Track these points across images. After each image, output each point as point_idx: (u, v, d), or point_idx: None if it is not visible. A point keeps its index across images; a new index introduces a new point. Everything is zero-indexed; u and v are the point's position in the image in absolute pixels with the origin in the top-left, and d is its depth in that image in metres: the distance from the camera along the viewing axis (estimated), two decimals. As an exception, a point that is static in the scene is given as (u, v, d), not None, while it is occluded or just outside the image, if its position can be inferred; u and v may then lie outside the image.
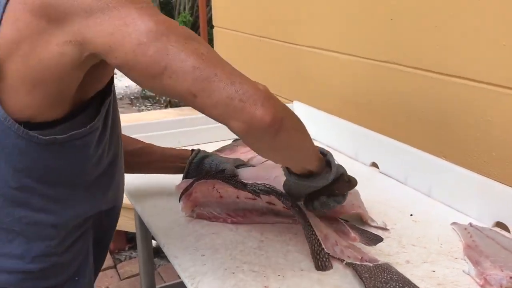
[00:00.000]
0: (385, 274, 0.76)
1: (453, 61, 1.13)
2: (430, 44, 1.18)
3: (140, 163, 1.02)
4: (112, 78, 0.76)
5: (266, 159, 1.13)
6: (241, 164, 1.05)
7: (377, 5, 1.34)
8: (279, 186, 0.88)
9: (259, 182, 0.89)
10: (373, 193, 1.06)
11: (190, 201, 0.94)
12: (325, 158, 0.81)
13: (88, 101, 0.72)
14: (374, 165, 1.25)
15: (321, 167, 0.79)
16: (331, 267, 0.80)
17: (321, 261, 0.80)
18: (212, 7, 2.43)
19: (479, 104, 1.08)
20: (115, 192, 0.86)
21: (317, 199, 0.83)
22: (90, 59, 0.63)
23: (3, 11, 0.62)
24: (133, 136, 1.12)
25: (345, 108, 1.50)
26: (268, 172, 0.97)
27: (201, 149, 1.07)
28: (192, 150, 1.07)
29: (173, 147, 1.37)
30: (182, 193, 0.95)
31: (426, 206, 1.04)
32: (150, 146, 1.05)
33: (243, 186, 0.89)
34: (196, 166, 1.03)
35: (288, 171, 0.81)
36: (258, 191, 0.87)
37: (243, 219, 0.94)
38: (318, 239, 0.81)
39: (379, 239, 0.88)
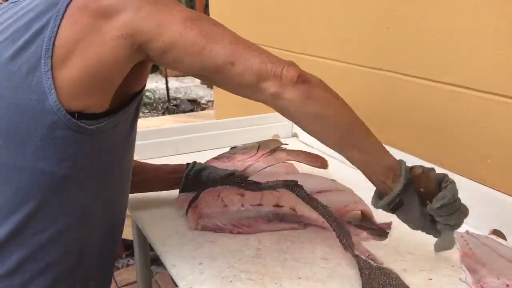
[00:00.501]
0: (384, 277, 0.76)
1: (449, 69, 1.14)
2: (427, 52, 1.19)
3: (136, 183, 0.97)
4: (145, 82, 0.84)
5: (264, 167, 1.14)
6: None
7: (373, 13, 1.35)
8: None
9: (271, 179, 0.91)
10: (370, 201, 1.06)
11: (196, 214, 0.94)
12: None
13: (127, 101, 0.80)
14: (371, 172, 1.25)
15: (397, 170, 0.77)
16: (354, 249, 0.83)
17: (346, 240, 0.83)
18: (210, 15, 2.44)
19: (474, 112, 1.09)
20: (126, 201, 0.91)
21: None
22: (138, 53, 0.71)
23: (62, 16, 0.70)
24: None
25: (342, 116, 1.51)
26: (266, 179, 0.97)
27: (197, 161, 1.07)
28: (187, 163, 1.06)
29: (171, 154, 1.38)
30: (189, 206, 0.94)
31: (423, 214, 1.04)
32: (141, 164, 1.05)
33: (256, 186, 0.90)
34: (193, 180, 1.03)
35: (376, 198, 0.80)
36: (275, 185, 0.89)
37: (249, 229, 0.94)
38: (342, 223, 0.84)
39: (385, 232, 0.92)
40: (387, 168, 0.78)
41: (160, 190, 1.05)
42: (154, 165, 1.06)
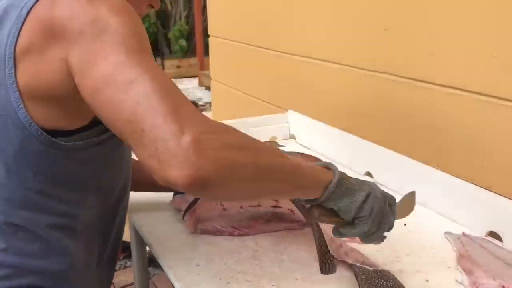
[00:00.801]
0: (382, 281, 0.77)
1: (446, 71, 1.14)
2: (424, 54, 1.19)
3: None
4: None
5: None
6: None
7: (371, 15, 1.35)
8: None
9: None
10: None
11: (194, 218, 0.94)
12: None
13: None
14: (368, 174, 1.25)
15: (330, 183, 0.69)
16: (335, 271, 0.80)
17: (326, 264, 0.81)
18: (208, 17, 2.44)
19: (471, 114, 1.09)
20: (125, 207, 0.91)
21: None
22: None
23: (22, 24, 0.67)
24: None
25: (339, 117, 1.51)
26: None
27: None
28: None
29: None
30: (186, 211, 0.94)
31: (419, 216, 1.04)
32: (138, 162, 1.04)
33: None
34: None
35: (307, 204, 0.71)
36: None
37: (249, 230, 0.94)
38: (325, 241, 0.82)
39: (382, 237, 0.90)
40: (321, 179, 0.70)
41: (155, 191, 1.05)
42: None
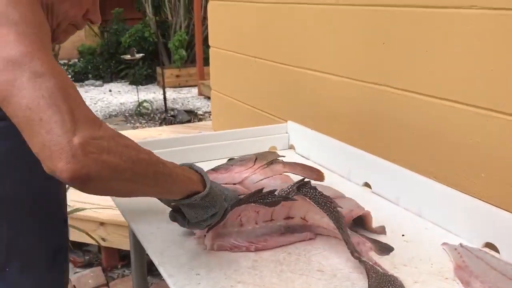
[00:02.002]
0: (389, 285, 0.78)
1: (443, 84, 1.16)
2: (421, 67, 1.21)
3: None
4: None
5: (261, 179, 1.15)
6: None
7: (369, 29, 1.37)
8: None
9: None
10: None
11: (211, 234, 0.93)
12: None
13: None
14: (367, 185, 1.26)
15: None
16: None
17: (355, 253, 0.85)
18: (209, 28, 2.47)
19: (468, 127, 1.11)
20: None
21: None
22: None
23: None
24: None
25: (338, 129, 1.53)
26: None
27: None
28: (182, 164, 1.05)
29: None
30: (212, 227, 0.92)
31: (417, 226, 1.05)
32: None
33: (273, 196, 0.91)
34: None
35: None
36: (289, 192, 0.91)
37: (266, 243, 0.94)
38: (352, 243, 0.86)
39: (390, 248, 0.93)
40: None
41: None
42: None
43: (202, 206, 0.82)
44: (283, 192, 0.93)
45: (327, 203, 0.90)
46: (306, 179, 0.95)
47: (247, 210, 0.95)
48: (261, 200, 0.91)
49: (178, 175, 0.79)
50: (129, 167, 0.68)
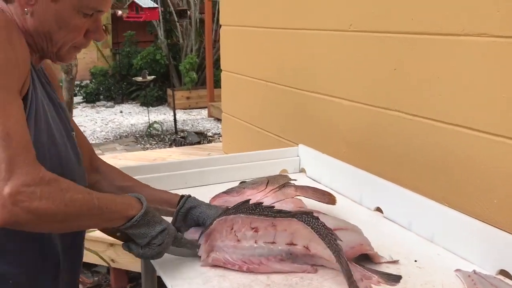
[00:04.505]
0: None
1: (454, 110, 1.17)
2: (432, 93, 1.22)
3: None
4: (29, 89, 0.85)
5: (273, 202, 1.15)
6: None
7: (381, 55, 1.39)
8: (295, 229, 0.92)
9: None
10: (377, 238, 1.07)
11: (208, 245, 0.95)
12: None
13: None
14: (379, 209, 1.26)
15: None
16: None
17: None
18: (221, 52, 2.51)
19: (480, 153, 1.11)
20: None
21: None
22: None
23: None
24: (141, 176, 1.14)
25: (350, 153, 1.53)
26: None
27: (191, 196, 1.07)
28: (182, 196, 1.07)
29: (180, 187, 1.40)
30: (201, 234, 0.95)
31: (430, 252, 1.05)
32: (141, 186, 1.08)
33: (270, 210, 0.91)
34: (182, 217, 1.03)
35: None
36: (289, 212, 0.90)
37: (259, 267, 0.93)
38: (352, 274, 0.85)
39: (399, 277, 0.92)
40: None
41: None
42: (152, 189, 1.09)
43: (145, 224, 0.87)
44: (281, 210, 0.94)
45: (328, 234, 0.89)
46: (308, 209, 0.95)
47: (240, 223, 0.94)
48: (250, 211, 0.93)
49: (117, 204, 0.85)
50: (61, 209, 0.75)
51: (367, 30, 1.45)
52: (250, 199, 0.99)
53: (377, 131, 1.44)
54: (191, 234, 1.02)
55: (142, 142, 5.26)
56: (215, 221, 0.95)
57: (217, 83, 6.32)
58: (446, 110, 1.19)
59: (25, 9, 0.83)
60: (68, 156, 0.93)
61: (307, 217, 0.91)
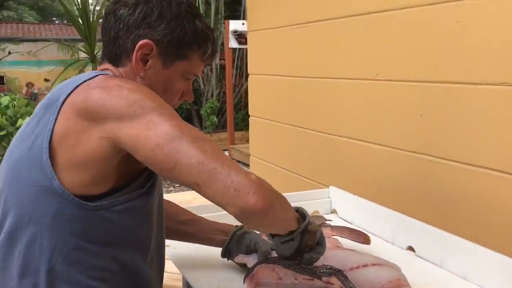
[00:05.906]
0: None
1: (481, 154, 1.23)
2: (459, 138, 1.29)
3: (188, 233, 1.14)
4: None
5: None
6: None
7: (407, 102, 1.47)
8: (338, 264, 0.97)
9: (319, 265, 0.98)
10: (410, 277, 1.11)
11: (254, 282, 1.02)
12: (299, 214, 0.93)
13: (132, 178, 0.90)
14: (411, 248, 1.31)
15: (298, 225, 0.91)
16: None
17: None
18: (248, 98, 2.62)
19: (507, 193, 1.16)
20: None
21: (301, 255, 0.93)
22: (122, 151, 0.82)
23: (58, 113, 0.84)
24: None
25: (380, 194, 1.59)
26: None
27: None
28: (236, 225, 1.15)
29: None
30: (246, 276, 1.03)
31: (464, 290, 1.08)
32: (199, 219, 1.18)
33: (304, 270, 0.97)
34: (237, 239, 1.12)
35: (271, 235, 0.92)
36: (320, 274, 0.96)
37: None
38: None
39: None
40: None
41: (208, 245, 1.16)
42: (208, 221, 1.18)
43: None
44: (317, 271, 1.00)
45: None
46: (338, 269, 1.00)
47: (280, 268, 1.01)
48: (295, 268, 0.98)
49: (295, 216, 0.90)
50: (278, 196, 0.81)
51: (393, 79, 1.55)
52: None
53: (406, 173, 1.49)
54: (239, 259, 1.09)
55: (166, 185, 5.34)
56: (256, 266, 1.02)
57: (237, 126, 6.46)
58: (473, 154, 1.25)
59: (140, 73, 0.91)
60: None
61: (338, 275, 0.96)
